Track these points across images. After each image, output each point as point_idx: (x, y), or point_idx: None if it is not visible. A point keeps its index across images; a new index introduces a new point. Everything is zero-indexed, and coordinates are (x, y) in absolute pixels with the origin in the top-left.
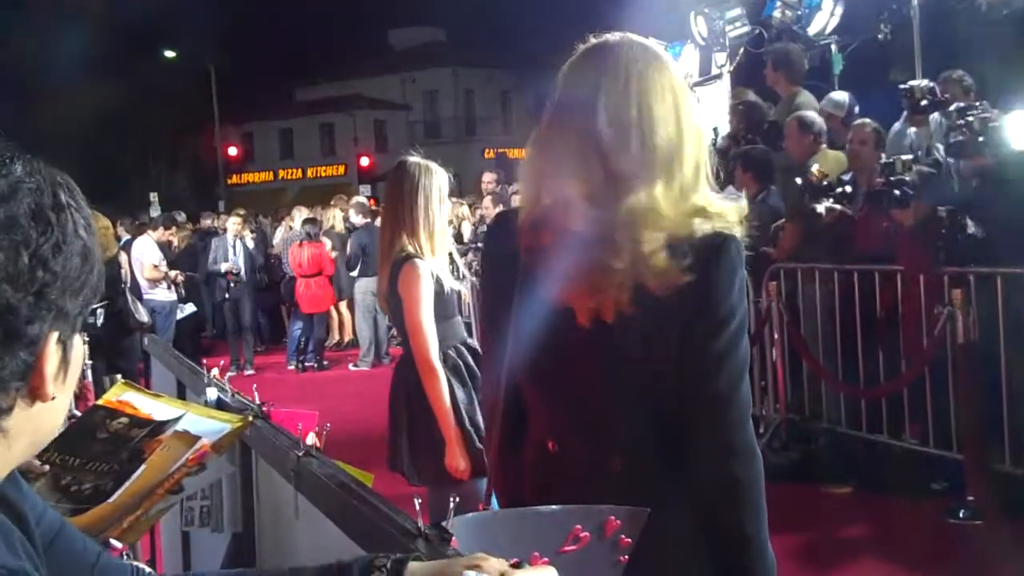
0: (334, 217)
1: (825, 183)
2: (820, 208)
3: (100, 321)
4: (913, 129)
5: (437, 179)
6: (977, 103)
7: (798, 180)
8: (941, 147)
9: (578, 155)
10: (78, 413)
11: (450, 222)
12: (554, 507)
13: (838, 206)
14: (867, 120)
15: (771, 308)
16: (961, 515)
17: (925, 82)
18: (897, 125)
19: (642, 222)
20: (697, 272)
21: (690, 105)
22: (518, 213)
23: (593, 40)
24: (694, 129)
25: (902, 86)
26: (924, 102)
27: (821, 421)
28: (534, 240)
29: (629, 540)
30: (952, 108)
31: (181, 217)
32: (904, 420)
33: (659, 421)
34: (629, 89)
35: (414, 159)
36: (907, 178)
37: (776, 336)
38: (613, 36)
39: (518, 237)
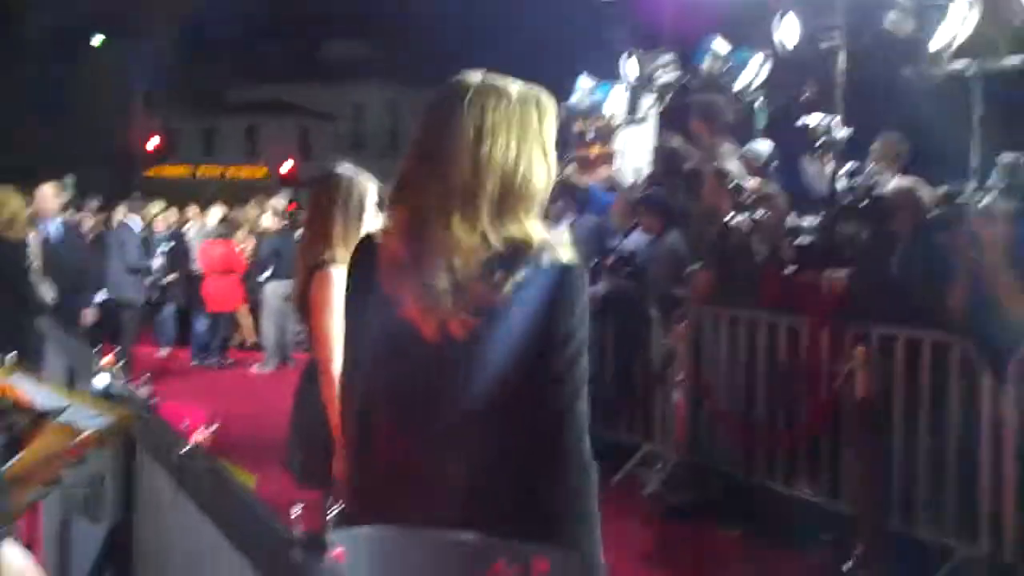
0: (260, 217)
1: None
2: (734, 223)
3: None
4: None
5: (368, 190)
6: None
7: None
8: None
9: (401, 189)
10: None
11: None
12: (471, 536)
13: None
14: (771, 187)
15: (678, 349)
16: (849, 566)
17: (824, 119)
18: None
19: (449, 249)
20: (535, 295)
21: (500, 142)
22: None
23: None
24: (496, 165)
25: (799, 123)
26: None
27: (718, 464)
28: (386, 267)
29: None
30: (847, 168)
31: (93, 203)
32: (799, 469)
33: (504, 434)
34: (434, 129)
35: (346, 167)
36: (809, 240)
37: (680, 377)
38: (459, 76)
39: (378, 262)
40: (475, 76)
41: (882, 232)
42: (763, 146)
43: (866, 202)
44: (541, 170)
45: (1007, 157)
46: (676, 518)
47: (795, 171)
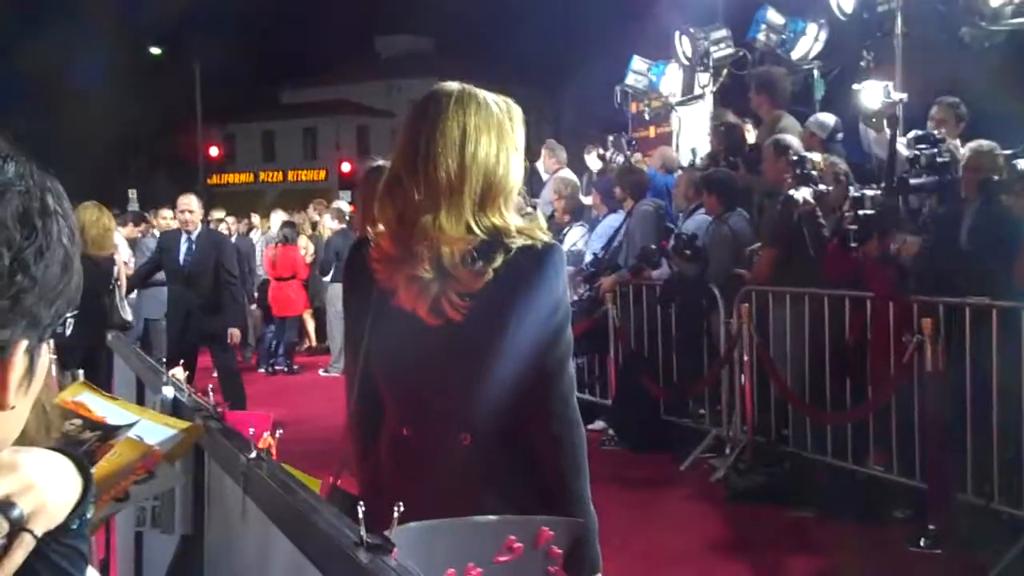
0: (323, 222)
1: (813, 172)
2: (798, 195)
3: (68, 331)
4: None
5: None
6: (935, 132)
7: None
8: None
9: (390, 188)
10: None
11: None
12: (491, 517)
13: (811, 200)
14: (835, 160)
15: (742, 330)
16: (921, 544)
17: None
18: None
19: (431, 240)
20: (519, 275)
21: (483, 143)
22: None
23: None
24: (480, 164)
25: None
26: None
27: (787, 445)
28: (379, 261)
29: (560, 551)
30: (910, 136)
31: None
32: (869, 447)
33: (500, 401)
34: (422, 132)
35: (383, 161)
36: (872, 212)
37: (746, 358)
38: (440, 85)
39: (370, 260)
40: (455, 85)
41: (949, 200)
42: (827, 118)
43: (930, 171)
44: (517, 167)
45: None
46: (747, 502)
47: (857, 141)
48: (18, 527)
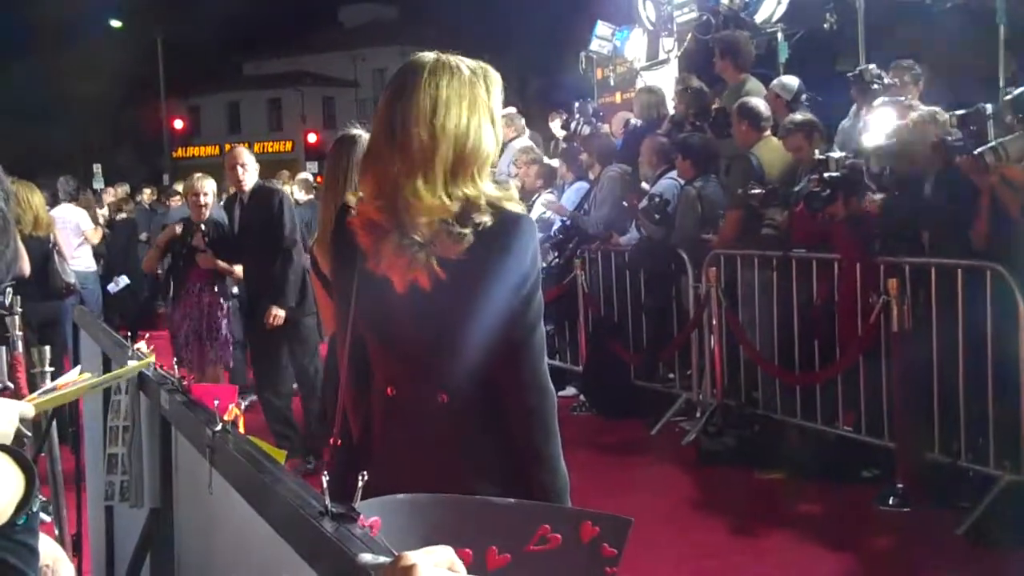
0: (290, 193)
1: (771, 188)
2: (777, 217)
3: (8, 301)
4: (862, 124)
5: None
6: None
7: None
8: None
9: (370, 159)
10: (11, 385)
11: None
12: (508, 500)
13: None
14: (795, 117)
15: (710, 294)
16: (890, 502)
17: (873, 66)
18: (846, 122)
19: (414, 210)
20: (490, 245)
21: (452, 114)
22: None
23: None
24: (450, 134)
25: (851, 74)
26: (875, 85)
27: (756, 407)
28: (362, 229)
29: (614, 551)
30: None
31: (122, 189)
32: (838, 408)
33: (474, 363)
34: (396, 104)
35: (356, 131)
36: (837, 174)
37: (714, 322)
38: (417, 55)
39: (353, 227)
40: (430, 56)
41: (903, 169)
42: (791, 80)
43: (884, 140)
44: (490, 137)
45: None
46: (718, 464)
47: (821, 104)
48: None
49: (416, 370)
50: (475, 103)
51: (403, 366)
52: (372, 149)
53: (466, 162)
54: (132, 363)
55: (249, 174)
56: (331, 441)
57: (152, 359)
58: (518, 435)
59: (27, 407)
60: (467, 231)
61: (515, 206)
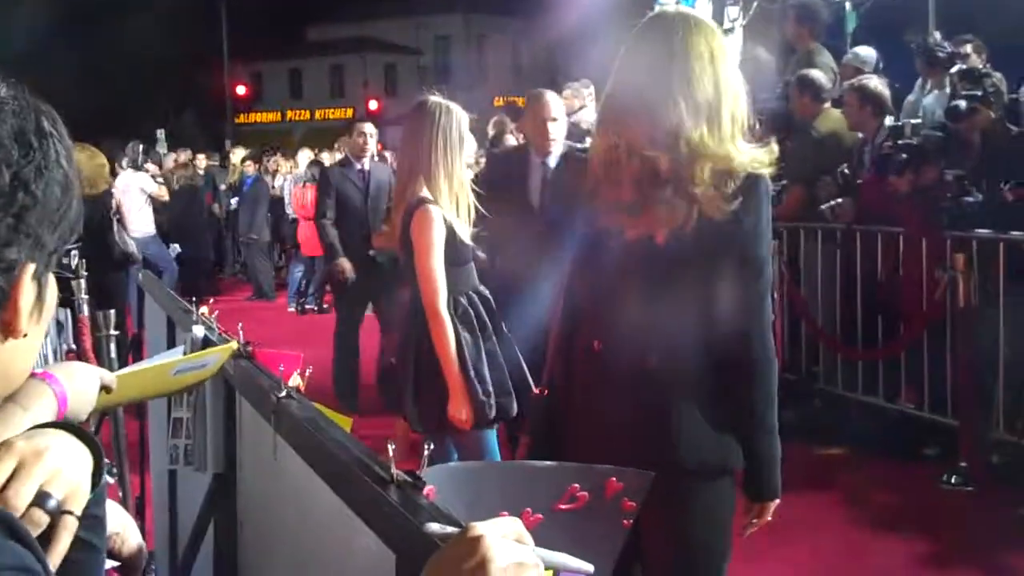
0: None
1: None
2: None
3: (75, 263)
4: (930, 98)
5: (457, 120)
6: (982, 67)
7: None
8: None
9: (638, 110)
10: (75, 347)
11: (469, 165)
12: (546, 463)
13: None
14: (858, 84)
15: (773, 268)
16: (952, 481)
17: (938, 34)
18: (911, 96)
19: (695, 158)
20: (737, 204)
21: (728, 67)
22: (586, 154)
23: (651, 13)
24: (730, 87)
25: (915, 43)
26: (940, 54)
27: (818, 382)
28: (603, 177)
29: (634, 504)
30: (955, 70)
31: (184, 155)
32: (900, 384)
33: (692, 326)
34: (675, 57)
35: (435, 98)
36: (914, 142)
37: (776, 296)
38: (669, 9)
39: (588, 175)
40: (671, 10)
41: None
42: (868, 52)
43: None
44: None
45: None
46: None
47: (888, 76)
48: (58, 514)
49: (628, 328)
50: (729, 61)
51: (616, 321)
52: (633, 104)
53: (737, 116)
54: (214, 356)
55: (372, 144)
56: (537, 390)
57: (234, 345)
58: (740, 398)
59: (108, 374)
60: (730, 186)
61: (763, 164)
